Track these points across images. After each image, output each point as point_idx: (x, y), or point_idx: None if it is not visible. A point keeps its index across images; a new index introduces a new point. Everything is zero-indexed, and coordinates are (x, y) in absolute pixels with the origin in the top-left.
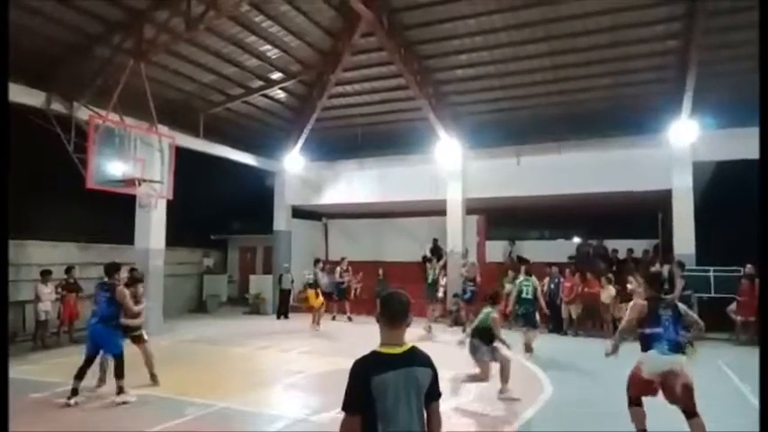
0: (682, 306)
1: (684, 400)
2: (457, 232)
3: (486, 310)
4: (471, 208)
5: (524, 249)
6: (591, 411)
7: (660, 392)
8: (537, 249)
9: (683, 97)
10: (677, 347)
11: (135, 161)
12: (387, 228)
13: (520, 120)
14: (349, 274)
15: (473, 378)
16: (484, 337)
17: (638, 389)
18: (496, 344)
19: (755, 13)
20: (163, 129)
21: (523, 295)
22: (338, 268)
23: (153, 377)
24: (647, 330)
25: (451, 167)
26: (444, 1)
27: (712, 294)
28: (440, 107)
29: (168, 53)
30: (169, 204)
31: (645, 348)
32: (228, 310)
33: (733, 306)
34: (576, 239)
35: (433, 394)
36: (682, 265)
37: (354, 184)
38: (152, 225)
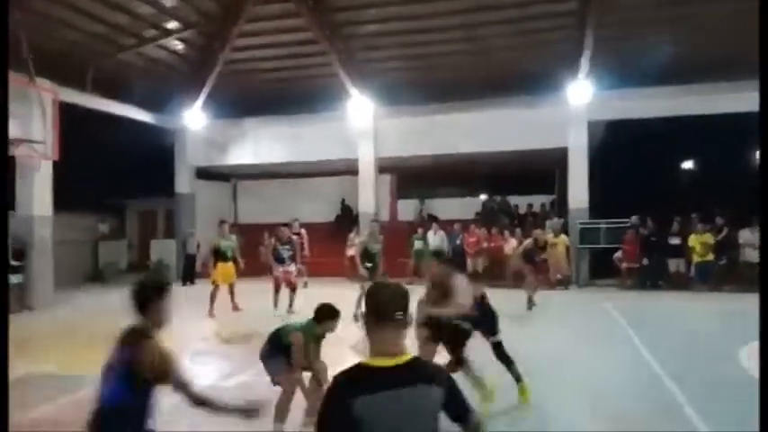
0: None
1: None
2: (369, 192)
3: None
4: (382, 167)
5: (434, 207)
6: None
7: None
8: (446, 207)
9: (581, 58)
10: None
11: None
12: (298, 188)
13: (430, 79)
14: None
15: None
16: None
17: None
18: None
19: None
20: (43, 82)
21: None
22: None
23: None
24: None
25: (363, 126)
26: None
27: (602, 245)
28: (350, 63)
29: None
30: (56, 166)
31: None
32: (128, 277)
33: (619, 254)
34: (483, 196)
35: (458, 414)
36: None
37: (262, 143)
38: (35, 189)
